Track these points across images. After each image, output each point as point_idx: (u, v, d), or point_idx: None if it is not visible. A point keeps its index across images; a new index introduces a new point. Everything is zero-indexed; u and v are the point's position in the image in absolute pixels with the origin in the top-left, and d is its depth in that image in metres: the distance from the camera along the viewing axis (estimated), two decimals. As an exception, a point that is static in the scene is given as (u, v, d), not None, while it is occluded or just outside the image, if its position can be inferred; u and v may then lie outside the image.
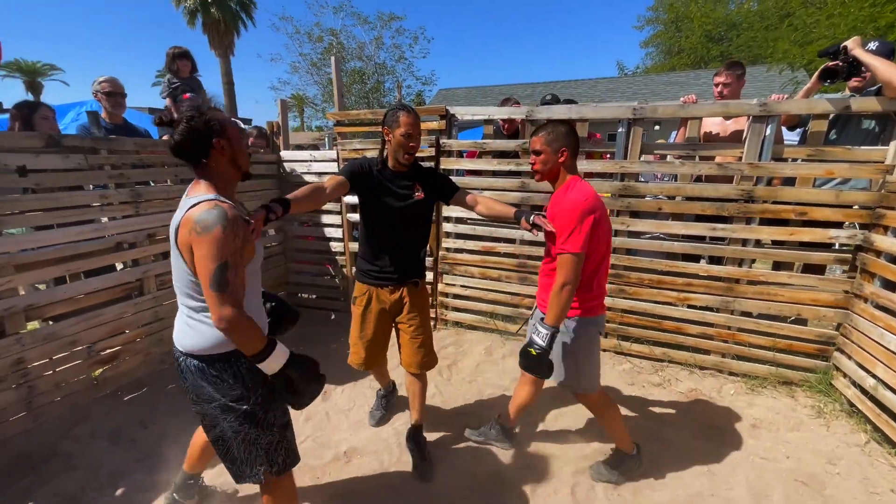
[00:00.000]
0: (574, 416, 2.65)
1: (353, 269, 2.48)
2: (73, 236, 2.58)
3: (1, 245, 2.27)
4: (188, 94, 3.52)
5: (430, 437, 2.46)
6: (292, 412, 1.58)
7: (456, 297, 3.79)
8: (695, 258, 3.09)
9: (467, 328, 3.82)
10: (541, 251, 3.32)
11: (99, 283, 2.74)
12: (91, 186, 2.81)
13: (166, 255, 3.21)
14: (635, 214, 3.12)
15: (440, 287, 3.80)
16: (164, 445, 2.39)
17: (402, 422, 2.63)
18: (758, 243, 2.87)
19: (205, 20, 20.45)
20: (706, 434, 2.51)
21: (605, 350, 3.36)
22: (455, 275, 3.72)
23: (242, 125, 4.10)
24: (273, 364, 1.34)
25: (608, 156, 3.30)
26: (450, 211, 3.59)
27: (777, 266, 3.06)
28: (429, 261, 3.74)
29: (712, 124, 3.08)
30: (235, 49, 21.48)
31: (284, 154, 4.07)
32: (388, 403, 2.74)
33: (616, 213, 3.10)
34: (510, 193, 3.35)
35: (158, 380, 3.05)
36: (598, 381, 2.02)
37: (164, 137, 3.54)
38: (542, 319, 1.79)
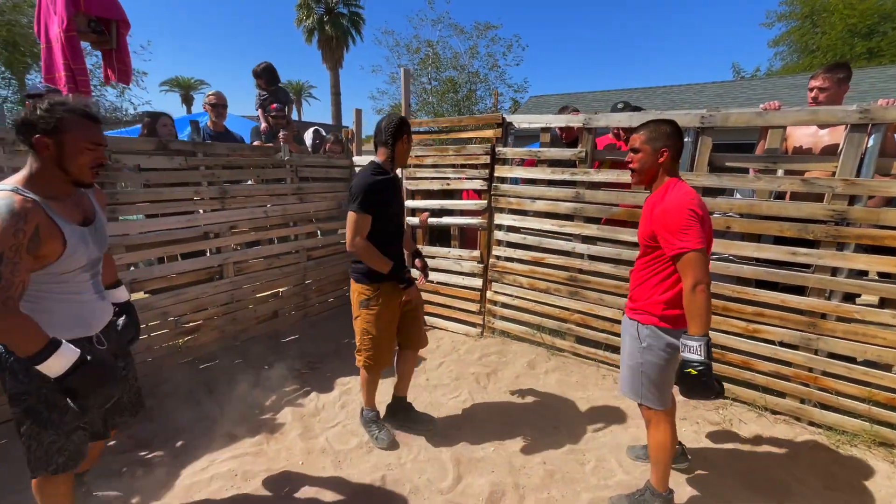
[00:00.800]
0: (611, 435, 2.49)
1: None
2: (171, 224, 3.07)
3: (117, 229, 2.79)
4: (275, 105, 3.97)
5: (447, 439, 2.49)
6: (336, 392, 1.63)
7: (504, 305, 3.75)
8: (771, 285, 2.70)
9: (513, 338, 3.76)
10: (593, 266, 3.19)
11: (188, 265, 3.22)
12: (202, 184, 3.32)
13: (245, 244, 3.66)
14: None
15: (488, 294, 3.79)
16: (220, 411, 2.74)
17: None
18: (863, 273, 2.43)
19: (320, 37, 22.67)
20: (763, 487, 2.19)
21: (658, 378, 3.08)
22: (504, 283, 3.68)
23: (324, 133, 4.50)
24: (54, 367, 1.25)
25: None
26: (501, 219, 3.58)
27: (882, 303, 2.55)
28: (479, 267, 3.76)
29: (803, 136, 2.67)
30: (344, 62, 23.43)
31: (356, 159, 4.39)
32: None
33: (678, 229, 2.84)
34: (563, 204, 3.24)
35: (229, 354, 3.48)
36: (668, 399, 1.88)
37: (255, 143, 4.04)
38: (686, 333, 1.63)
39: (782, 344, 2.64)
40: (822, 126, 2.57)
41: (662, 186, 1.76)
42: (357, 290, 2.33)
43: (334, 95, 24.00)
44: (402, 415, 2.61)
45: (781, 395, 2.69)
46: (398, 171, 2.37)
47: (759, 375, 2.73)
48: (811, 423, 2.62)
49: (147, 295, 3.12)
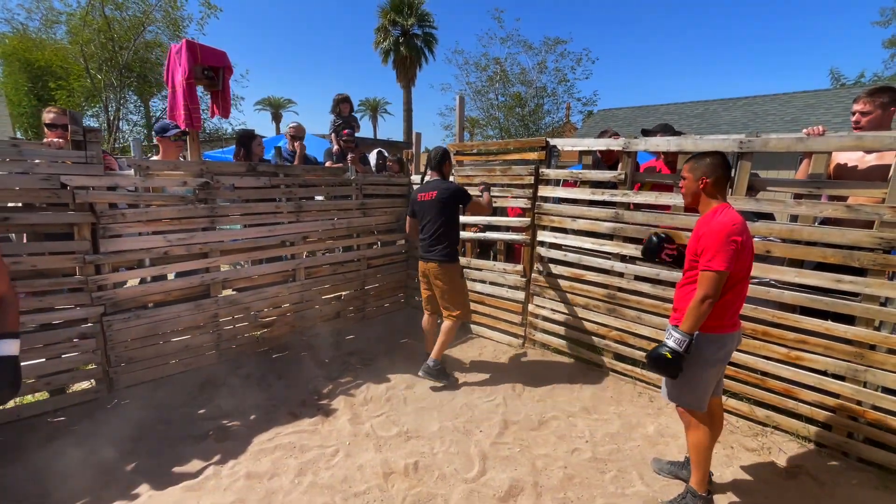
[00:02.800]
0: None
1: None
2: (254, 234, 3.65)
3: (213, 236, 3.40)
4: (346, 130, 4.51)
5: (476, 437, 2.73)
6: (383, 387, 1.95)
7: (545, 319, 3.91)
8: (819, 313, 2.63)
9: (553, 351, 3.90)
10: (632, 285, 3.27)
11: (268, 268, 3.78)
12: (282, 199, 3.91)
13: (315, 252, 4.19)
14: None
15: (530, 307, 3.97)
16: (286, 393, 3.21)
17: (464, 418, 2.94)
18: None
19: (395, 58, 24.03)
20: (787, 516, 2.17)
21: (695, 400, 3.08)
22: (545, 297, 3.85)
23: (386, 154, 4.99)
24: None
25: None
26: (543, 235, 3.76)
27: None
28: (521, 281, 3.96)
29: (848, 157, 2.60)
30: (416, 80, 24.56)
31: (414, 178, 4.80)
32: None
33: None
34: (603, 223, 3.36)
35: (298, 346, 3.99)
36: (705, 402, 2.05)
37: (328, 163, 4.60)
38: (676, 327, 1.95)
39: (827, 374, 2.56)
40: (868, 151, 2.49)
41: (711, 210, 1.99)
42: (458, 269, 3.45)
43: (406, 112, 25.24)
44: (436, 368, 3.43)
45: (827, 427, 2.60)
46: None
47: (802, 405, 2.65)
48: (860, 460, 2.50)
49: (235, 292, 3.72)
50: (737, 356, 2.84)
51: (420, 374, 3.39)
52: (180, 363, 3.38)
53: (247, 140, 4.05)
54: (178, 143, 3.43)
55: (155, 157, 3.52)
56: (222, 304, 3.52)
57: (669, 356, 1.90)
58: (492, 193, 4.01)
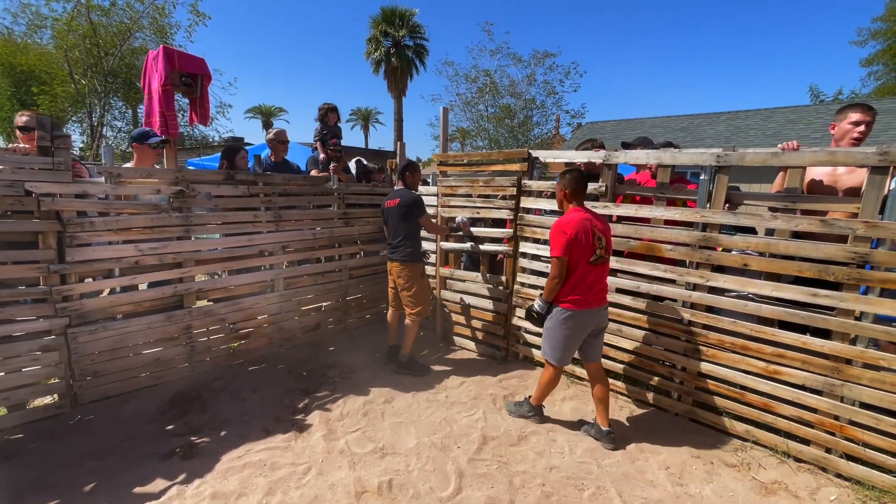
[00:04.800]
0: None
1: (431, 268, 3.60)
2: (232, 243, 3.57)
3: (189, 245, 3.32)
4: (333, 140, 4.47)
5: (454, 453, 2.67)
6: (360, 401, 1.93)
7: (527, 331, 3.87)
8: (797, 327, 2.63)
9: (536, 364, 3.86)
10: (612, 297, 3.26)
11: (245, 279, 3.70)
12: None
13: (295, 262, 4.11)
14: (718, 269, 2.82)
15: (513, 320, 3.93)
16: (261, 408, 3.12)
17: (442, 433, 2.87)
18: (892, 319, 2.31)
19: (386, 68, 24.16)
20: (765, 534, 2.13)
21: (676, 415, 3.05)
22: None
23: (365, 162, 4.96)
24: None
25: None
26: (526, 247, 3.74)
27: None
28: (504, 292, 3.93)
29: (821, 172, 2.63)
30: (407, 90, 24.71)
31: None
32: None
33: (696, 265, 2.86)
34: (584, 235, 3.35)
35: (275, 358, 3.90)
36: (560, 358, 2.78)
37: (313, 173, 4.55)
38: (539, 296, 2.78)
39: (805, 388, 2.55)
40: (840, 166, 2.52)
41: (565, 213, 2.74)
42: (418, 268, 3.66)
43: (397, 122, 25.33)
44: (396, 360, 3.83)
45: (805, 441, 2.58)
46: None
47: (780, 419, 2.64)
48: (838, 475, 2.48)
49: (210, 303, 3.63)
50: (715, 369, 2.82)
51: (395, 370, 3.74)
52: (150, 376, 3.27)
53: (231, 153, 3.97)
54: (157, 150, 3.34)
55: (129, 165, 3.44)
56: (196, 316, 3.43)
57: (535, 315, 2.82)
58: (475, 205, 4.00)
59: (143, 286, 3.32)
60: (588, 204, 3.26)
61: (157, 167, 3.42)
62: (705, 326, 2.88)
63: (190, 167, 7.22)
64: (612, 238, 3.19)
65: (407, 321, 3.71)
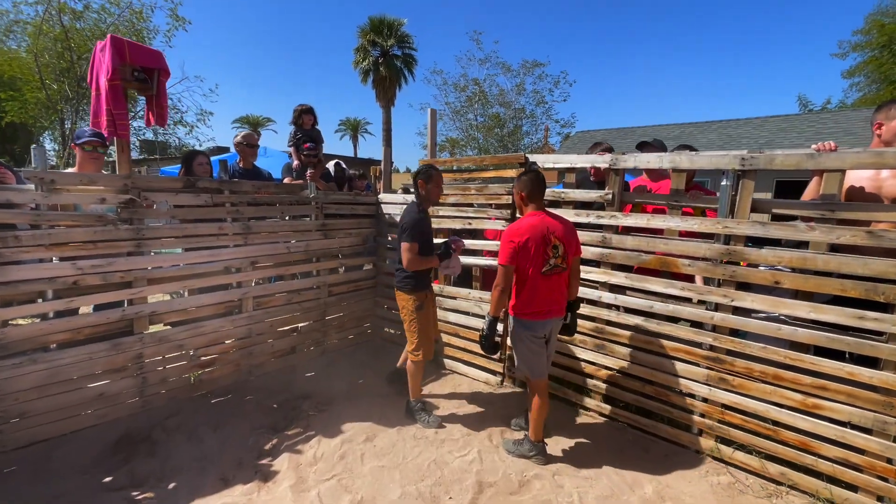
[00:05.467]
0: None
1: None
2: (193, 259, 3.15)
3: (138, 262, 2.90)
4: (308, 144, 4.09)
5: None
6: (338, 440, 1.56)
7: (526, 354, 3.49)
8: (840, 354, 2.29)
9: (535, 391, 3.47)
10: (622, 318, 2.91)
11: (207, 299, 3.27)
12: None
13: (266, 279, 3.70)
14: (743, 286, 2.49)
15: (509, 341, 3.55)
16: (220, 451, 2.68)
17: (431, 480, 2.46)
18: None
19: (375, 77, 23.91)
20: None
21: (698, 452, 2.69)
22: (526, 330, 3.44)
23: (344, 166, 4.58)
24: None
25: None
26: (523, 262, 3.38)
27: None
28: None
29: (862, 178, 2.32)
30: (396, 100, 24.47)
31: (383, 197, 4.39)
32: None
33: (718, 282, 2.52)
34: (589, 248, 3.00)
35: (243, 388, 3.45)
36: (536, 371, 2.60)
37: (286, 179, 4.15)
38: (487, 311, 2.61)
39: (852, 426, 2.21)
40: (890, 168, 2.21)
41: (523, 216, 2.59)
42: (411, 300, 3.00)
43: (386, 132, 25.03)
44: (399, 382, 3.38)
45: (852, 488, 2.23)
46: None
47: (822, 461, 2.28)
48: (893, 529, 2.13)
49: (167, 327, 3.19)
50: (743, 401, 2.47)
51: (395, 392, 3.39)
52: (92, 415, 2.82)
53: (188, 160, 3.56)
54: (94, 154, 2.92)
55: (71, 170, 3.02)
56: (149, 342, 2.99)
57: (482, 332, 2.62)
58: (467, 215, 3.64)
59: (87, 309, 2.89)
60: (593, 213, 2.93)
61: (105, 173, 3.01)
62: (730, 352, 2.53)
63: (163, 175, 6.77)
64: (620, 252, 2.86)
65: (408, 363, 3.13)
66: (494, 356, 2.61)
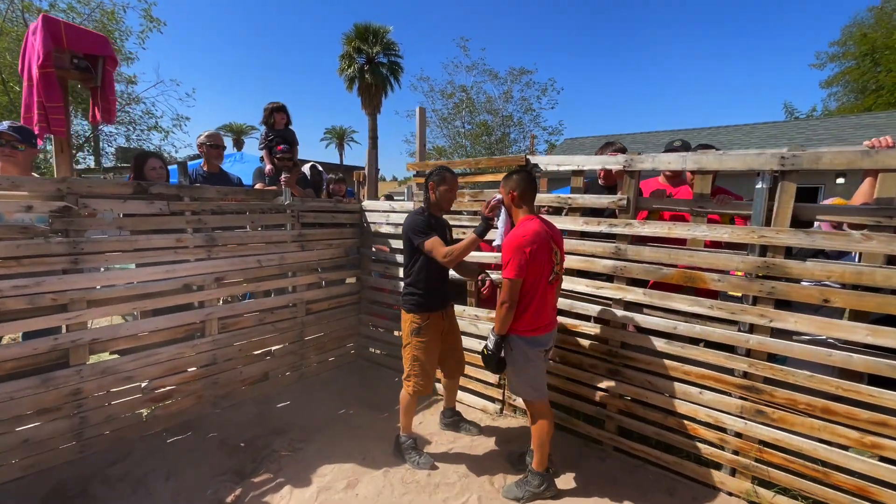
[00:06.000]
0: None
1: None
2: (145, 276, 2.71)
3: (79, 281, 2.45)
4: (281, 146, 3.69)
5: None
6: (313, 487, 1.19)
7: (528, 379, 3.11)
8: (889, 382, 1.97)
9: (539, 421, 3.09)
10: (639, 340, 2.56)
11: (163, 322, 2.83)
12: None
13: (235, 297, 3.27)
14: (783, 304, 2.16)
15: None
16: (167, 510, 2.23)
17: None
18: None
19: (360, 85, 23.57)
20: None
21: (731, 495, 2.33)
22: (528, 352, 3.07)
23: (320, 169, 4.19)
24: None
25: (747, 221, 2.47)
26: (525, 275, 3.02)
27: None
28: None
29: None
30: (382, 108, 24.15)
31: (367, 204, 4.01)
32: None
33: (753, 299, 2.19)
34: (600, 261, 2.66)
35: (204, 424, 3.00)
36: (543, 391, 2.36)
37: (258, 186, 3.74)
38: (492, 329, 2.28)
39: (918, 468, 1.88)
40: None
41: (518, 222, 2.29)
42: (409, 320, 2.62)
43: (372, 139, 24.64)
44: (452, 426, 3.05)
45: (921, 543, 1.89)
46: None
47: (883, 510, 1.95)
48: None
49: (114, 356, 2.74)
50: (786, 438, 2.13)
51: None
52: (17, 466, 2.35)
53: (139, 163, 3.05)
54: (6, 150, 2.42)
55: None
56: (89, 376, 2.53)
57: (487, 352, 2.29)
58: (460, 224, 3.28)
59: (15, 337, 2.44)
60: (605, 221, 2.60)
61: (35, 176, 2.57)
62: (768, 381, 2.19)
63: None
64: (637, 265, 2.52)
65: (402, 391, 2.76)
66: (497, 375, 2.30)
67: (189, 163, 3.77)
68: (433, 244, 2.45)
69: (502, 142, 18.08)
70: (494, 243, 2.70)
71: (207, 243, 2.98)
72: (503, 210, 2.54)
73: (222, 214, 3.09)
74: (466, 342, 3.32)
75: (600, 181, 3.04)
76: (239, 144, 42.08)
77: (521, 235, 2.14)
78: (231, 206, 3.15)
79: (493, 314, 2.99)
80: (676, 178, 2.98)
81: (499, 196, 2.41)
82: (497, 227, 2.59)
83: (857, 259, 2.38)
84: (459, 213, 3.36)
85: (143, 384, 2.77)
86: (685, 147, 2.82)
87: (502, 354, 2.29)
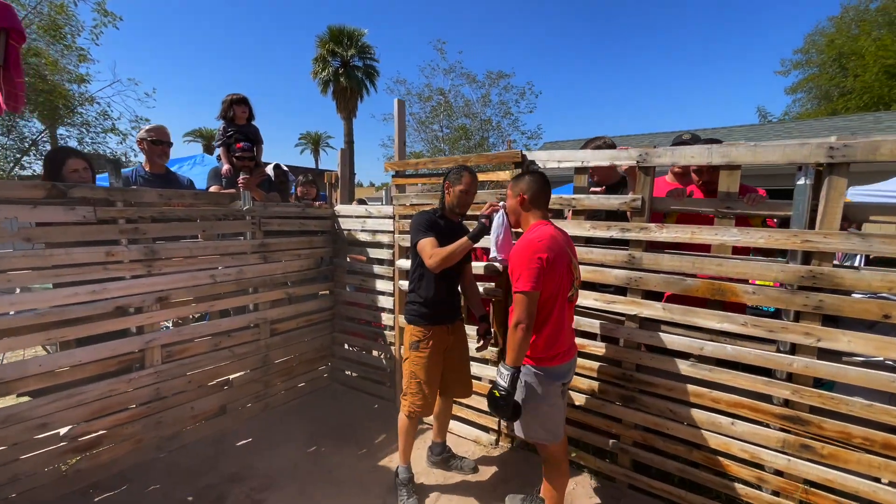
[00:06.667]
0: None
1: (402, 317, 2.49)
2: (62, 299, 2.21)
3: (-28, 308, 1.95)
4: (241, 143, 3.23)
5: None
6: None
7: (527, 406, 2.73)
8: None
9: (536, 454, 2.71)
10: (658, 361, 2.22)
11: (88, 353, 2.33)
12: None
13: (180, 321, 2.79)
14: (832, 320, 1.85)
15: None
16: None
17: None
18: None
19: (335, 88, 23.04)
20: None
21: (771, 543, 2.00)
22: (527, 376, 2.69)
23: (285, 168, 3.74)
24: None
25: (776, 222, 2.16)
26: (522, 288, 2.65)
27: None
28: (492, 352, 2.79)
29: None
30: (357, 112, 23.65)
31: (340, 209, 3.57)
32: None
33: (795, 315, 1.87)
34: (612, 271, 2.31)
35: (145, 474, 2.50)
36: (559, 433, 1.97)
37: (213, 188, 3.27)
38: (503, 361, 1.82)
39: None
40: None
41: (528, 228, 1.95)
42: (409, 332, 2.36)
43: (347, 144, 24.04)
44: (442, 464, 2.64)
45: None
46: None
47: (959, 564, 1.64)
48: None
49: (24, 399, 2.22)
50: (837, 477, 1.82)
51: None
52: None
53: (54, 162, 2.46)
54: None
55: None
56: (-13, 426, 2.02)
57: (498, 394, 1.79)
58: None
59: None
60: (616, 226, 2.26)
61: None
62: (816, 410, 1.87)
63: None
64: (655, 275, 2.19)
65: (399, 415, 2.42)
66: (511, 422, 1.91)
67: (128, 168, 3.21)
68: (425, 244, 2.19)
69: (481, 146, 17.83)
70: (491, 255, 2.32)
71: (147, 257, 2.49)
72: (500, 215, 2.23)
73: (166, 222, 2.61)
74: (456, 365, 2.92)
75: (593, 178, 2.70)
76: (210, 150, 40.74)
77: (536, 240, 1.79)
78: (177, 213, 2.67)
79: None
80: (686, 176, 2.68)
81: (501, 203, 2.08)
82: (494, 234, 2.23)
83: (859, 262, 2.09)
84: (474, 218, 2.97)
85: (63, 431, 2.26)
86: (695, 141, 2.51)
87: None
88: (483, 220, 2.17)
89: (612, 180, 2.70)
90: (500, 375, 1.81)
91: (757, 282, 2.04)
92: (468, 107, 17.57)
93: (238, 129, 3.31)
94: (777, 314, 2.31)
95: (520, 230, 2.09)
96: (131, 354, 2.50)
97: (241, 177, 2.99)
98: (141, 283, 2.48)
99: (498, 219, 2.24)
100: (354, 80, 22.97)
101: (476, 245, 2.26)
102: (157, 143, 2.88)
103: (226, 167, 3.25)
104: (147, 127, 2.91)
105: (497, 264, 2.54)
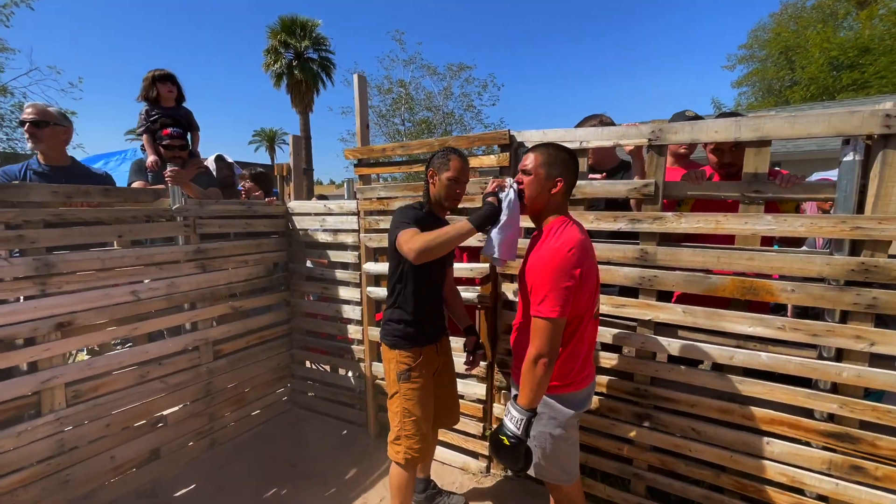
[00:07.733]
0: None
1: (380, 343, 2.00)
2: None
3: None
4: (169, 130, 2.67)
5: None
6: None
7: (522, 427, 2.37)
8: None
9: (537, 482, 2.36)
10: (676, 374, 1.91)
11: (-45, 404, 1.75)
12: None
13: (90, 352, 2.24)
14: (885, 321, 1.59)
15: (497, 409, 2.42)
16: None
17: None
18: None
19: (289, 82, 21.93)
20: None
21: (815, 578, 1.73)
22: (521, 393, 2.33)
23: (230, 160, 3.22)
24: None
25: (811, 207, 1.90)
26: (513, 292, 2.28)
27: None
28: (480, 367, 2.41)
29: None
30: (314, 106, 22.67)
31: (294, 205, 3.07)
32: None
33: (841, 315, 1.60)
34: (621, 269, 1.98)
35: (47, 553, 1.95)
36: (575, 471, 1.63)
37: (137, 184, 2.69)
38: (514, 398, 1.49)
39: None
40: None
41: (549, 225, 1.52)
42: (394, 359, 1.89)
43: (305, 139, 23.02)
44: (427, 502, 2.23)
45: None
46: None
47: None
48: None
49: None
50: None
51: None
52: None
53: None
54: None
55: None
56: None
57: (508, 442, 1.41)
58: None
59: None
60: (624, 217, 1.93)
61: None
62: (865, 424, 1.61)
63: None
64: (672, 273, 1.88)
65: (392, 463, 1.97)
66: (516, 466, 1.44)
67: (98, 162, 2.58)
68: (407, 234, 1.68)
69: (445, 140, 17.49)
70: (485, 251, 1.69)
71: (39, 272, 1.93)
72: (510, 193, 1.58)
73: (66, 227, 2.04)
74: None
75: (589, 161, 2.36)
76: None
77: (566, 249, 1.39)
78: (82, 215, 2.11)
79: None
80: (685, 159, 2.40)
81: (509, 180, 1.61)
82: (501, 222, 1.60)
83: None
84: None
85: (-80, 511, 1.69)
86: (698, 118, 2.23)
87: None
88: (490, 200, 1.61)
89: (610, 164, 2.38)
90: (509, 418, 1.43)
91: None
92: (430, 100, 17.14)
93: (165, 113, 2.74)
94: (776, 310, 2.07)
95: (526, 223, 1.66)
96: (20, 399, 1.94)
97: (169, 169, 2.45)
98: (32, 307, 1.92)
99: (507, 200, 1.59)
100: (309, 73, 21.96)
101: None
102: (37, 124, 2.27)
103: (151, 159, 2.68)
104: (28, 106, 2.30)
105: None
